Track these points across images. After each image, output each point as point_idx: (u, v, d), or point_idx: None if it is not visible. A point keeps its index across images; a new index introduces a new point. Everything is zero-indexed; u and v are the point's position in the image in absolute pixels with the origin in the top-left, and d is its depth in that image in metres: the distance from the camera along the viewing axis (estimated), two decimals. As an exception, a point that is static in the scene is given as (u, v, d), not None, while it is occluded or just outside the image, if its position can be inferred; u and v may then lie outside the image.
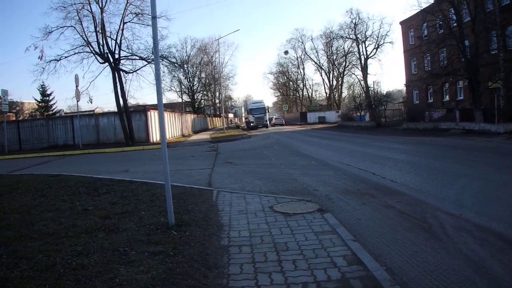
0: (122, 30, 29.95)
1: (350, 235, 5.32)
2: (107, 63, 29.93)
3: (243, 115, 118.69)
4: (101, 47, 29.53)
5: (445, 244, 5.04)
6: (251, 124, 58.34)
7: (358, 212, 6.85)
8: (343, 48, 73.10)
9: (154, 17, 6.12)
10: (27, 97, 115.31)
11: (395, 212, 6.72)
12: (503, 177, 9.39)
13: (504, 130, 22.30)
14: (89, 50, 29.59)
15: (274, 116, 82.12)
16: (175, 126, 41.38)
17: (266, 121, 59.64)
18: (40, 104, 58.88)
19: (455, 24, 28.92)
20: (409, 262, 4.54)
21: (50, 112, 56.20)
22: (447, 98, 39.78)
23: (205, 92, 78.00)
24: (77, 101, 32.13)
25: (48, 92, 58.98)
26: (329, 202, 7.59)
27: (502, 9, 27.30)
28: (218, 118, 79.75)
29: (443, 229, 5.63)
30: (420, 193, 8.07)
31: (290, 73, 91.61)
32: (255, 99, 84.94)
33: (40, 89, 57.36)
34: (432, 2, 31.52)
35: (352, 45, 68.91)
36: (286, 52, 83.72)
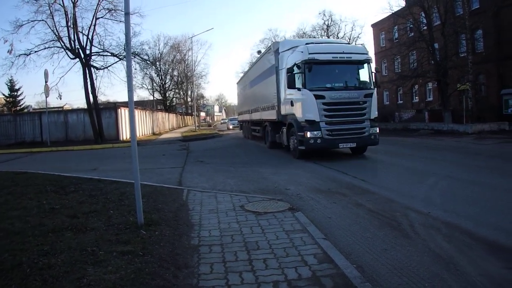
0: (94, 25, 29.49)
1: (320, 233, 5.32)
2: (77, 59, 29.38)
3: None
4: (72, 42, 29.00)
5: (414, 242, 5.10)
6: (307, 138, 13.32)
7: (328, 210, 6.86)
8: (316, 48, 72.36)
9: (127, 13, 5.99)
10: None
11: (365, 210, 6.78)
12: (471, 176, 9.61)
13: (472, 130, 22.94)
14: (59, 45, 29.05)
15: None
16: (145, 124, 40.82)
17: (374, 122, 13.90)
18: (8, 99, 57.16)
19: (425, 28, 29.48)
20: (379, 259, 4.57)
21: (18, 108, 54.69)
22: (416, 99, 40.59)
23: (177, 90, 77.21)
24: (46, 97, 31.27)
25: (17, 87, 57.36)
26: (300, 201, 7.59)
27: (471, 13, 28.17)
28: (190, 116, 78.93)
29: (412, 227, 5.70)
30: (389, 191, 8.17)
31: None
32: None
33: (8, 84, 55.80)
34: (403, 5, 32.09)
35: (325, 45, 68.69)
36: (259, 52, 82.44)
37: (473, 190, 8.00)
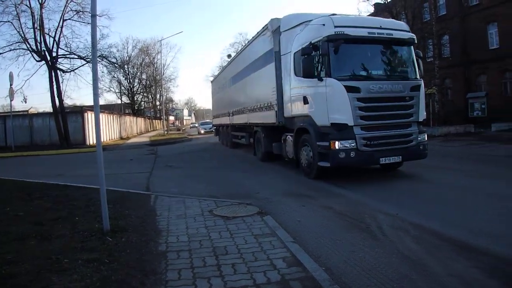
0: (62, 27, 29.13)
1: (289, 237, 5.30)
2: (44, 61, 28.91)
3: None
4: (38, 44, 28.53)
5: (382, 243, 5.14)
6: (334, 150, 9.08)
7: (297, 214, 6.85)
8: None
9: (93, 16, 5.94)
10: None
11: (333, 213, 6.79)
12: (438, 177, 9.75)
13: (439, 133, 23.45)
14: (25, 47, 28.66)
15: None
16: (113, 128, 40.21)
17: (421, 127, 10.20)
18: (-30, 104, 55.69)
19: (393, 33, 30.10)
20: (347, 261, 4.57)
21: (-19, 112, 53.14)
22: (385, 103, 41.31)
23: (145, 94, 76.13)
24: (11, 100, 30.56)
25: (-21, 91, 55.89)
26: (270, 205, 7.55)
27: (438, 19, 29.08)
28: (159, 120, 77.90)
29: (381, 228, 5.74)
30: (358, 193, 8.23)
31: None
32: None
33: (-29, 88, 54.30)
34: (372, 11, 32.66)
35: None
36: (229, 56, 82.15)
37: (440, 192, 8.13)
